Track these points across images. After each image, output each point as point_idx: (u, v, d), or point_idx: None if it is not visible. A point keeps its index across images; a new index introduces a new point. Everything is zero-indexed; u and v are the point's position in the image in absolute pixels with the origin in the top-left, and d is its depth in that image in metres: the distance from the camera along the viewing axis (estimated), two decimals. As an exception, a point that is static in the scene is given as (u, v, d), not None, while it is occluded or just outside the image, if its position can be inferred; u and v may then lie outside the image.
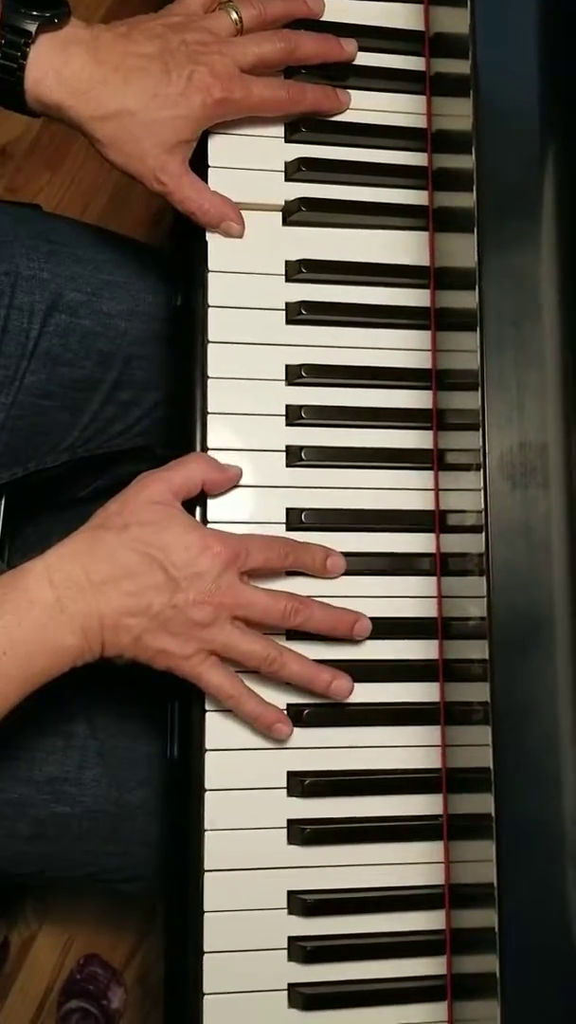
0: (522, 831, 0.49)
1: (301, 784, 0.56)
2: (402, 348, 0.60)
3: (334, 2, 0.62)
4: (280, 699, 0.56)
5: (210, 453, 0.58)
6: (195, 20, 0.58)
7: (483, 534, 0.50)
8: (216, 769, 0.56)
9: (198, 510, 0.57)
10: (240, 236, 0.59)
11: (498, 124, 0.51)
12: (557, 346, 0.50)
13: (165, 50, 0.56)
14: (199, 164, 0.59)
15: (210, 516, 0.57)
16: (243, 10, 0.59)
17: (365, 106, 0.62)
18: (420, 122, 0.62)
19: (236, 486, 0.58)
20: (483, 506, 0.49)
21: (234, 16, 0.58)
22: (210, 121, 0.58)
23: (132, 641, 0.53)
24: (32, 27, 0.55)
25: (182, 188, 0.58)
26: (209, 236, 0.59)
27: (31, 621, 0.52)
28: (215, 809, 0.55)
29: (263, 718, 0.55)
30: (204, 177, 0.59)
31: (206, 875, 0.55)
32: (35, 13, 0.55)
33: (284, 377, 0.59)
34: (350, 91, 0.61)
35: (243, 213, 0.59)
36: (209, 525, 0.57)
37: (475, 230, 0.51)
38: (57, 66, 0.55)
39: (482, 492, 0.50)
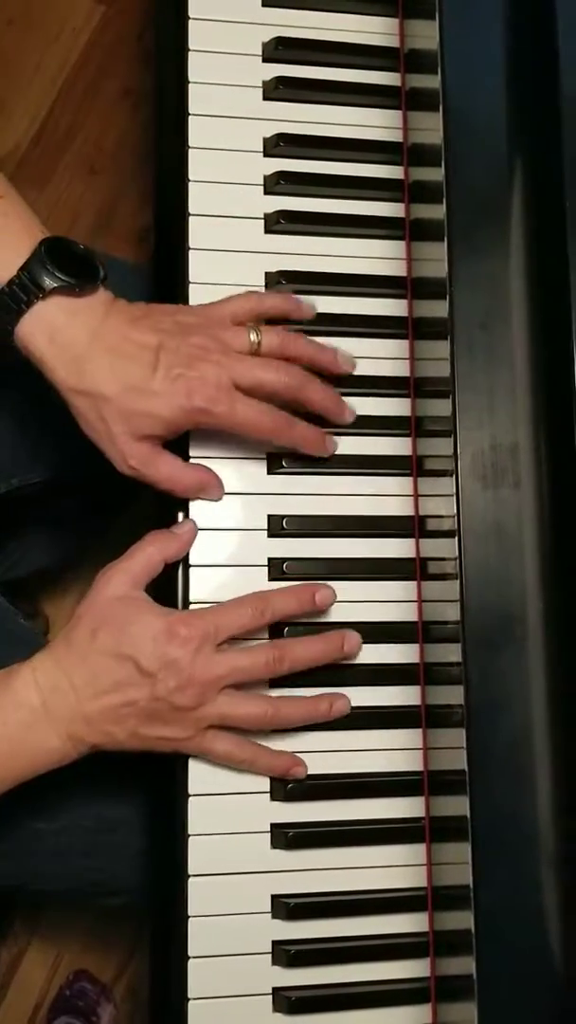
0: (497, 832, 0.49)
1: (284, 788, 0.56)
2: (382, 357, 0.61)
3: (315, 19, 0.64)
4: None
5: (192, 461, 0.58)
6: (212, 327, 0.56)
7: (456, 535, 0.50)
8: (199, 774, 0.56)
9: (181, 515, 0.58)
10: (220, 498, 0.58)
11: (466, 137, 0.53)
12: (525, 349, 0.51)
13: (161, 346, 0.54)
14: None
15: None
16: (265, 335, 0.56)
17: (343, 121, 0.63)
18: (397, 136, 0.63)
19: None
20: (456, 506, 0.50)
21: (253, 337, 0.56)
22: (186, 426, 0.56)
23: (129, 736, 0.54)
24: (51, 286, 0.53)
25: (157, 471, 0.56)
26: (192, 251, 0.60)
27: (16, 722, 0.53)
28: (198, 814, 0.55)
29: (278, 768, 0.56)
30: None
31: (190, 880, 0.55)
32: (59, 276, 0.53)
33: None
34: (328, 106, 0.63)
35: (224, 223, 0.60)
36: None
37: (445, 239, 0.52)
38: (57, 327, 0.54)
39: (454, 493, 0.50)
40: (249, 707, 0.55)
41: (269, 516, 0.59)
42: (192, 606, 0.57)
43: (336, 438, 0.60)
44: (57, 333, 0.54)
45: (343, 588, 0.59)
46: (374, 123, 0.64)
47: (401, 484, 0.60)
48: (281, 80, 0.62)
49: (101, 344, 0.54)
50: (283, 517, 0.58)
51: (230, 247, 0.60)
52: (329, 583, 0.58)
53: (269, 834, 0.56)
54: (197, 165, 0.61)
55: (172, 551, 0.57)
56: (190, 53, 0.62)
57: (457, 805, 0.51)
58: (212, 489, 0.58)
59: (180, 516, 0.58)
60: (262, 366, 0.56)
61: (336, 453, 0.60)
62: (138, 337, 0.55)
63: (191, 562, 0.57)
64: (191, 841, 0.55)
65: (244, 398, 0.55)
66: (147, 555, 0.56)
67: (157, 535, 0.57)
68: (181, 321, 0.56)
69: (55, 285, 0.53)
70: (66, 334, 0.54)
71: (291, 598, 0.56)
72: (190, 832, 0.55)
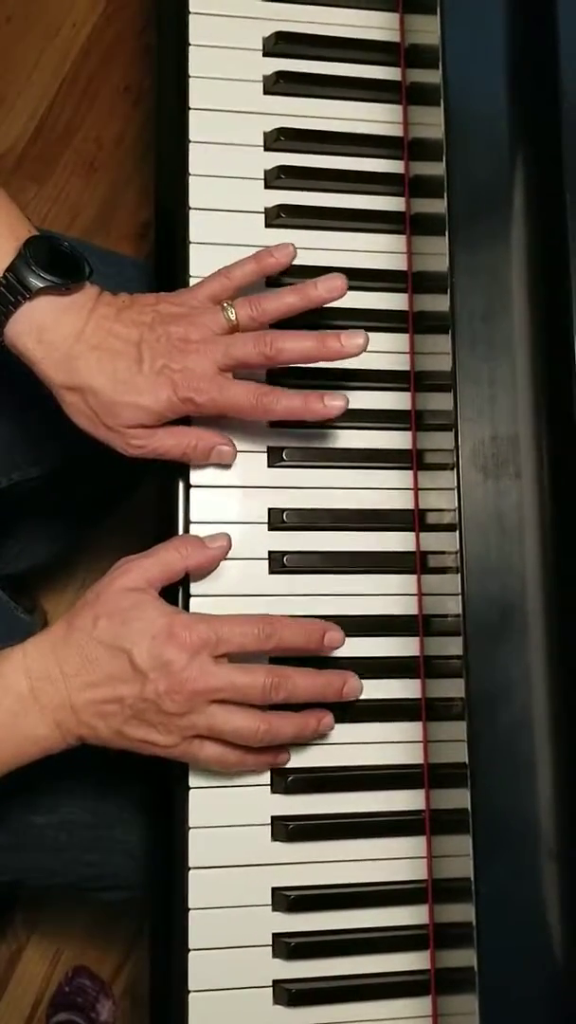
0: (498, 825, 0.50)
1: (284, 781, 0.56)
2: (382, 351, 0.61)
3: (315, 14, 0.64)
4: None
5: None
6: (191, 314, 0.56)
7: (457, 526, 0.50)
8: (198, 767, 0.56)
9: (181, 508, 0.58)
10: (233, 459, 0.58)
11: (467, 131, 0.53)
12: (526, 341, 0.51)
13: (143, 340, 0.55)
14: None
15: (193, 517, 0.58)
16: (238, 310, 0.56)
17: (344, 115, 0.63)
18: (397, 131, 0.63)
19: (222, 486, 0.58)
20: (456, 497, 0.50)
21: (230, 315, 0.56)
22: (174, 415, 0.56)
23: (112, 733, 0.53)
24: (37, 286, 0.54)
25: (162, 442, 0.56)
26: (192, 245, 0.60)
27: (4, 708, 0.52)
28: (198, 807, 0.56)
29: (264, 762, 0.56)
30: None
31: (190, 872, 0.55)
32: (45, 276, 0.54)
33: (266, 382, 0.60)
34: (329, 100, 0.63)
35: (224, 217, 0.60)
36: (192, 526, 0.58)
37: (446, 233, 0.52)
38: (45, 326, 0.54)
39: (455, 484, 0.51)
40: (241, 721, 0.53)
41: (270, 509, 0.59)
42: (192, 598, 0.57)
43: (332, 431, 0.60)
44: (45, 332, 0.54)
45: (343, 581, 0.59)
46: (374, 118, 0.64)
47: (401, 478, 0.60)
48: (281, 75, 0.62)
49: (85, 343, 0.54)
50: (283, 510, 0.59)
51: (231, 241, 0.61)
52: (329, 576, 0.58)
53: (269, 827, 0.56)
54: (198, 160, 0.61)
55: (196, 562, 0.55)
56: (191, 48, 0.62)
57: (458, 798, 0.51)
58: (223, 448, 0.57)
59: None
60: (237, 343, 0.55)
61: (336, 447, 0.60)
62: (121, 331, 0.55)
63: (192, 555, 0.57)
64: (191, 834, 0.55)
65: (229, 382, 0.56)
66: (169, 561, 0.55)
67: (187, 541, 0.56)
68: (162, 311, 0.56)
69: (42, 286, 0.54)
70: (54, 333, 0.54)
71: (300, 631, 0.55)
72: (190, 825, 0.55)
